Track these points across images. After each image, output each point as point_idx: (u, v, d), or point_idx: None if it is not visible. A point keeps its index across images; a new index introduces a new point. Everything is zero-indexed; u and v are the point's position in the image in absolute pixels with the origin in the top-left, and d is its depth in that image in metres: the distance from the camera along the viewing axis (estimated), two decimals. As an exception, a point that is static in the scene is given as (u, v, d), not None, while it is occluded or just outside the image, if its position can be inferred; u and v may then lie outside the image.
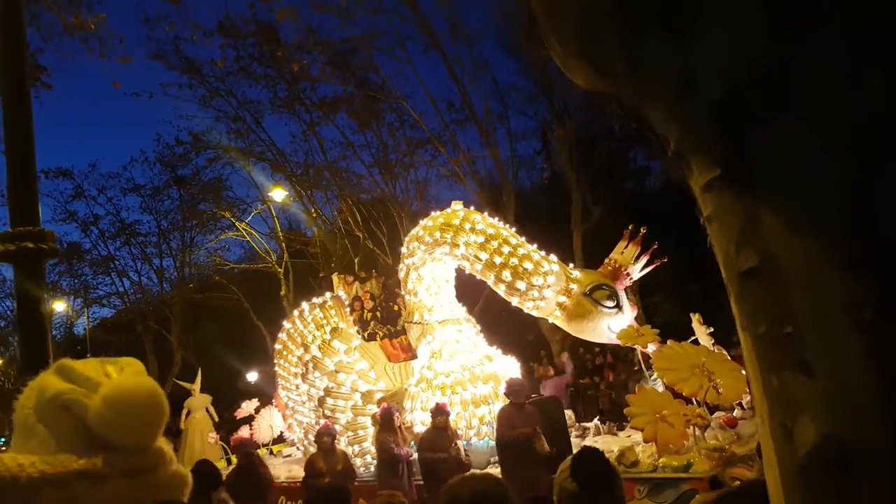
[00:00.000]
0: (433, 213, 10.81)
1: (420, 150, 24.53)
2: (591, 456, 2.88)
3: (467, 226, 10.06)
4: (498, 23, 30.01)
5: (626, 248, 9.43)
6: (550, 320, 9.80)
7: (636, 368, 13.33)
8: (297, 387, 11.57)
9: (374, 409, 10.29)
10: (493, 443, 9.37)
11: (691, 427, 7.81)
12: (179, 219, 29.59)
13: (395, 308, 11.89)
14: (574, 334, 9.71)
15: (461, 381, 9.74)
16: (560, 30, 1.43)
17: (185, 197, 29.29)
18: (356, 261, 23.43)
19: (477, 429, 9.54)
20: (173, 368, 26.81)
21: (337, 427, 10.36)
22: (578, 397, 16.49)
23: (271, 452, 13.63)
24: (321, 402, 10.68)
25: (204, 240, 30.05)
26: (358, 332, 11.73)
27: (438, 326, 10.51)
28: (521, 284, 9.48)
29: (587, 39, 1.36)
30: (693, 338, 8.96)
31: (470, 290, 11.26)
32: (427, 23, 21.37)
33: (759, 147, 1.17)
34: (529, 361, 16.50)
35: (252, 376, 24.78)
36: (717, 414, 8.94)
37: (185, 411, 15.98)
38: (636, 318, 9.49)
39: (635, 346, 9.12)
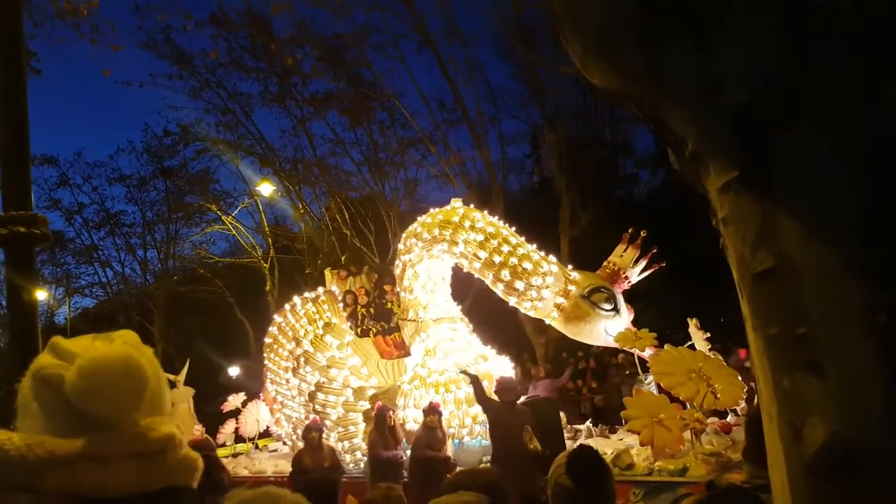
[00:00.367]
0: (432, 210, 10.75)
1: (411, 149, 24.53)
2: (587, 454, 2.89)
3: (467, 223, 10.01)
4: (493, 26, 30.13)
5: (624, 251, 9.43)
6: (547, 321, 9.77)
7: (627, 373, 13.36)
8: (288, 381, 11.47)
9: (365, 405, 10.23)
10: (485, 442, 9.36)
11: (687, 431, 7.82)
12: (165, 210, 29.43)
13: (388, 305, 11.82)
14: (571, 336, 9.68)
15: (455, 379, 9.68)
16: (581, 29, 1.47)
17: (171, 188, 29.13)
18: (343, 258, 23.33)
19: (470, 428, 9.50)
20: (155, 361, 26.38)
21: (327, 423, 10.29)
22: (561, 401, 16.48)
23: (257, 447, 13.52)
24: (312, 397, 10.59)
25: (189, 232, 29.92)
26: (351, 327, 11.65)
27: (433, 324, 10.47)
28: (519, 284, 9.45)
29: (609, 40, 1.39)
30: (689, 343, 8.98)
31: (455, 293, 11.18)
32: (422, 22, 21.38)
33: (778, 153, 1.20)
34: (526, 363, 16.52)
35: (234, 371, 24.57)
36: (710, 419, 8.95)
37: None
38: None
39: (627, 351, 9.13)
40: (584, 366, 18.63)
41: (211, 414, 16.96)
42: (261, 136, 25.75)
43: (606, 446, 8.93)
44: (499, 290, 9.76)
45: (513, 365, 10.71)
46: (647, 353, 8.70)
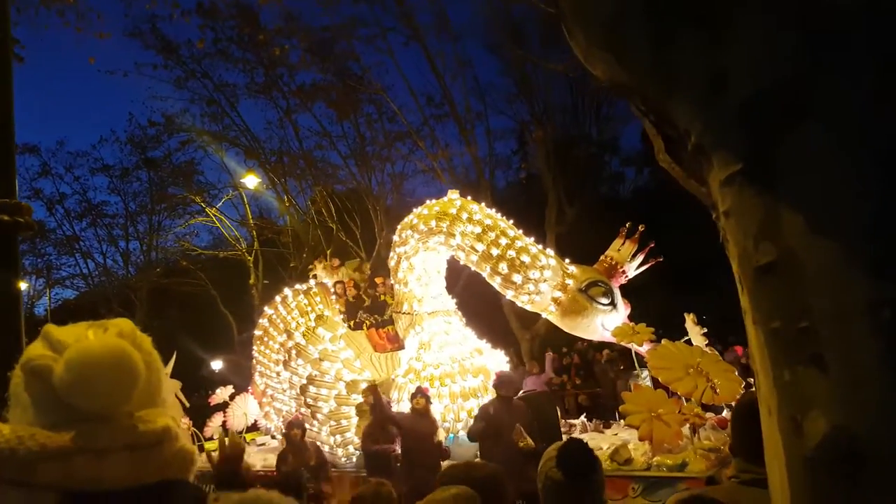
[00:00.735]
0: (428, 202, 10.62)
1: (398, 143, 24.51)
2: (577, 447, 2.93)
3: (464, 215, 9.91)
4: (481, 21, 30.11)
5: (622, 245, 9.39)
6: (544, 315, 9.71)
7: (621, 367, 13.37)
8: (278, 374, 11.36)
9: (358, 398, 10.13)
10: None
11: (685, 426, 7.81)
12: (148, 201, 29.20)
13: (381, 297, 11.73)
14: (567, 330, 9.63)
15: (450, 373, 9.61)
16: (587, 20, 1.47)
17: (154, 179, 28.93)
18: (328, 252, 23.22)
19: (465, 422, 9.43)
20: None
21: (319, 416, 10.20)
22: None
23: (245, 441, 13.37)
24: (303, 390, 10.48)
25: (172, 224, 29.74)
26: (344, 320, 11.54)
27: (428, 317, 10.38)
28: (517, 277, 9.36)
29: (615, 32, 1.39)
30: (686, 338, 8.96)
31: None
32: (410, 15, 21.31)
33: (784, 147, 1.20)
34: (513, 358, 16.48)
35: (216, 365, 24.41)
36: (707, 415, 8.95)
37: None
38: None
39: (612, 347, 9.10)
40: (569, 361, 18.72)
41: (194, 407, 16.82)
42: (246, 128, 25.63)
43: (602, 441, 8.92)
44: (496, 283, 9.67)
45: (507, 359, 10.64)
46: (644, 348, 8.68)
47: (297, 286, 12.06)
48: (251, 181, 24.75)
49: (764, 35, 1.20)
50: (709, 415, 8.95)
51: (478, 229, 9.71)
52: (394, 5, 21.12)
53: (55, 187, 29.27)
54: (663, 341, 8.51)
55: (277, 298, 12.06)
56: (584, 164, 24.54)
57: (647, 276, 9.63)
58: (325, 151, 25.45)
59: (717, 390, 7.74)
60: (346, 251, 22.94)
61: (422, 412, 8.41)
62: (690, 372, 7.91)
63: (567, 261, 9.62)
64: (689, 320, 9.19)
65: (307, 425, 10.62)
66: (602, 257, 9.51)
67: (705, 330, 8.97)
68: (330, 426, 10.18)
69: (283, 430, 10.91)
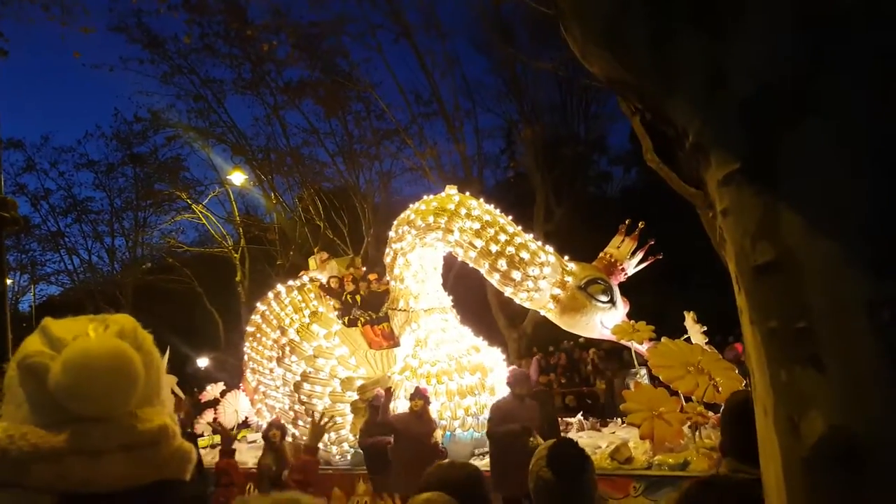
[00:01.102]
0: (426, 197, 10.52)
1: (386, 141, 24.42)
2: (568, 446, 2.92)
3: (463, 211, 9.81)
4: (471, 20, 30.08)
5: (622, 242, 9.36)
6: (542, 312, 9.64)
7: (617, 367, 13.37)
8: (272, 371, 11.25)
9: (353, 396, 10.04)
10: (477, 435, 9.25)
11: (686, 425, 7.79)
12: (133, 198, 29.01)
13: (382, 289, 11.60)
14: (565, 328, 9.58)
15: (447, 370, 9.51)
16: (585, 17, 1.47)
17: (140, 175, 28.76)
18: (315, 250, 23.08)
19: (462, 420, 9.37)
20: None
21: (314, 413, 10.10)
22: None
23: (236, 438, 13.26)
24: (297, 387, 10.35)
25: (158, 220, 29.65)
26: (338, 317, 11.44)
27: (424, 314, 10.29)
28: (516, 274, 9.28)
29: (614, 29, 1.39)
30: (686, 336, 8.94)
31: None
32: (399, 12, 21.23)
33: (784, 146, 1.20)
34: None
35: (202, 362, 24.25)
36: (709, 414, 8.93)
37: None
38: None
39: (600, 347, 9.06)
40: (555, 360, 18.74)
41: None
42: (233, 124, 25.43)
43: (600, 440, 8.89)
44: (494, 280, 9.59)
45: (504, 357, 10.58)
46: (644, 346, 8.66)
47: (291, 282, 11.95)
48: (238, 178, 24.61)
49: (764, 33, 1.21)
50: (710, 413, 8.95)
51: (476, 225, 9.62)
52: (383, 2, 21.07)
53: (40, 183, 29.07)
54: (663, 339, 8.49)
55: (270, 294, 11.94)
56: (573, 163, 24.55)
57: (634, 276, 9.60)
58: (312, 148, 25.35)
59: (720, 388, 7.74)
60: (333, 249, 22.82)
61: (419, 413, 8.35)
62: (691, 370, 7.91)
63: (566, 258, 9.57)
64: (689, 318, 9.17)
65: (301, 422, 10.54)
66: (601, 254, 9.46)
67: (705, 328, 8.95)
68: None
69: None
